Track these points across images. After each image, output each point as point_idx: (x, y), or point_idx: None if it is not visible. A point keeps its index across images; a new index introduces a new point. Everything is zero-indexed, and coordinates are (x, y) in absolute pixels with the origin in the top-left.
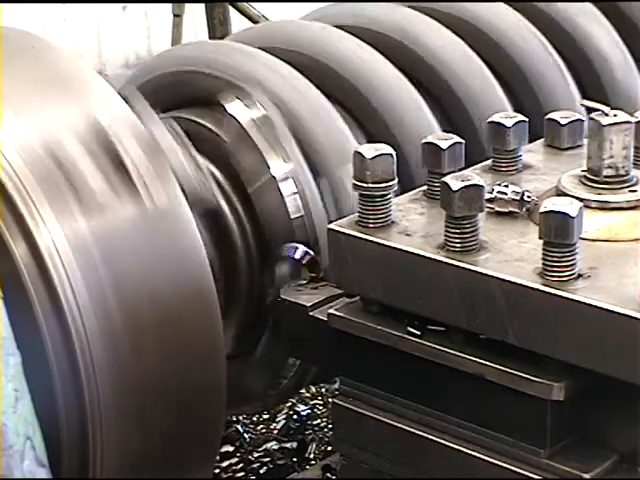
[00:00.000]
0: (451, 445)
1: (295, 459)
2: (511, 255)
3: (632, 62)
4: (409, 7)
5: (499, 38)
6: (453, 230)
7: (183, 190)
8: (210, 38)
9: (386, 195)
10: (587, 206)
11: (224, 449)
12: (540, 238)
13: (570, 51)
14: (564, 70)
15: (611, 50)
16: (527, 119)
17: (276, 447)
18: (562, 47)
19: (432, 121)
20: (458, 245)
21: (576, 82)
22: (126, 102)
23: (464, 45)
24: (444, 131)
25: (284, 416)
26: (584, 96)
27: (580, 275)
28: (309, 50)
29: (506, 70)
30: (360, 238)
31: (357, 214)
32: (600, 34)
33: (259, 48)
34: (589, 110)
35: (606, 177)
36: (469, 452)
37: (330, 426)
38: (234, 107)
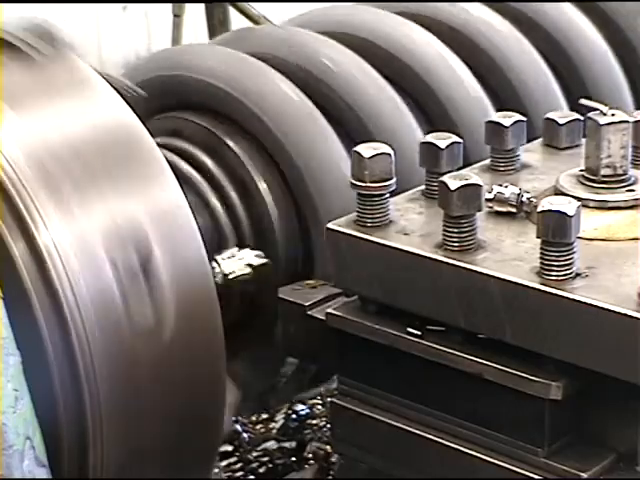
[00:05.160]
0: (449, 444)
1: (294, 458)
2: (509, 254)
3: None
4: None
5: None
6: (451, 229)
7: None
8: (210, 38)
9: (384, 194)
10: (585, 205)
11: (223, 448)
12: (538, 237)
13: (555, 55)
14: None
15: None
16: (525, 118)
17: (275, 446)
18: (547, 51)
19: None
20: (456, 244)
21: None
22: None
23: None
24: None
25: (283, 416)
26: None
27: (578, 274)
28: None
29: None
30: (358, 237)
31: (355, 213)
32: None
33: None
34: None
35: (604, 176)
36: (467, 451)
37: (329, 425)
38: None
